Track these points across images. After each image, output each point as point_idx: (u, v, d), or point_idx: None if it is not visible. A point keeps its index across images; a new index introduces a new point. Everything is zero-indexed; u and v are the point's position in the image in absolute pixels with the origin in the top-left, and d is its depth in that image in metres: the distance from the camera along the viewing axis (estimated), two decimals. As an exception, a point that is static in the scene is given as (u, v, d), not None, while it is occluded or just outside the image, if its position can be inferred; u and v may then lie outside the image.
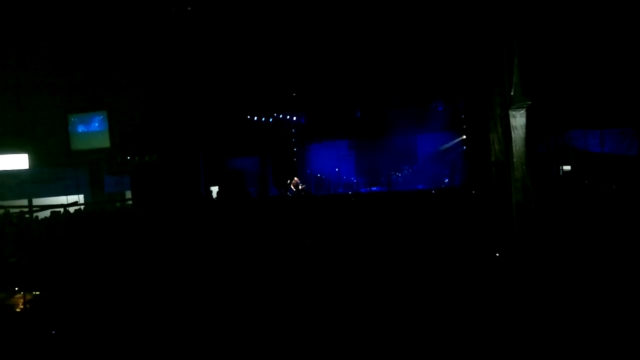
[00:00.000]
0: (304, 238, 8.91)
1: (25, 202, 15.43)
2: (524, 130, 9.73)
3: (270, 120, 18.79)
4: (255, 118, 18.34)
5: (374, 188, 17.54)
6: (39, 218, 12.31)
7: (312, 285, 6.35)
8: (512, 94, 9.62)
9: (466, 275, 6.31)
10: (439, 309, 5.17)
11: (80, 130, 18.00)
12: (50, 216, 12.67)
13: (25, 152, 17.23)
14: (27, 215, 12.13)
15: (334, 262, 7.34)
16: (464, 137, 16.61)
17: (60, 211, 13.32)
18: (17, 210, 11.87)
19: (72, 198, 16.53)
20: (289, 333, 4.78)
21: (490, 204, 9.69)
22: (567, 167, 13.50)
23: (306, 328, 4.90)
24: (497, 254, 7.21)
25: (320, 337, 4.67)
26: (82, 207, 15.49)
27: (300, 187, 17.13)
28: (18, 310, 5.97)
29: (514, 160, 9.54)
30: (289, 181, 17.24)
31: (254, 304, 5.79)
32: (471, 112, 15.69)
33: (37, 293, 6.58)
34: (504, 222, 8.75)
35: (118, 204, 17.32)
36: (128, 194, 18.30)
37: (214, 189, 17.61)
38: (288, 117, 19.06)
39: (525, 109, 9.74)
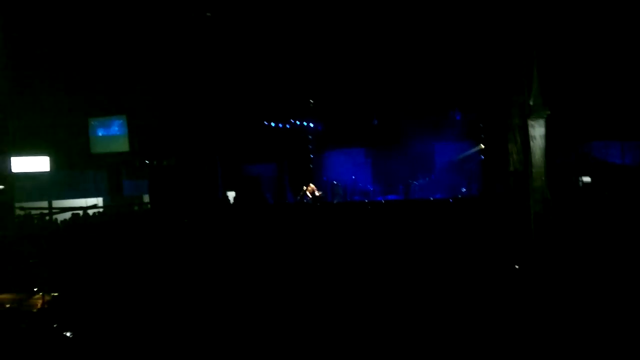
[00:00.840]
0: (319, 245, 8.89)
1: (45, 203, 15.63)
2: (543, 140, 9.63)
3: (288, 126, 18.83)
4: (273, 124, 18.39)
5: (390, 196, 17.46)
6: (59, 220, 12.45)
7: (327, 292, 6.32)
8: (531, 103, 9.54)
9: (484, 287, 6.23)
10: (457, 321, 5.11)
11: (100, 134, 18.23)
12: (70, 218, 12.84)
13: (46, 155, 17.48)
14: (47, 217, 12.28)
15: (350, 271, 7.30)
16: (482, 146, 16.47)
17: (79, 213, 13.49)
18: (38, 211, 12.02)
19: (91, 201, 16.73)
20: (304, 340, 4.76)
21: (508, 215, 9.58)
22: (586, 179, 13.32)
23: (322, 335, 4.87)
24: (517, 266, 7.12)
25: (336, 344, 4.64)
26: (101, 209, 15.65)
27: (316, 193, 17.11)
28: (35, 310, 6.02)
29: (533, 170, 9.45)
30: (304, 187, 17.23)
31: (268, 307, 5.78)
32: (489, 122, 15.55)
33: (55, 294, 6.63)
34: (523, 233, 8.65)
35: (136, 207, 17.47)
36: (146, 198, 18.44)
37: (231, 194, 17.66)
38: (305, 124, 19.09)
39: (544, 119, 9.65)
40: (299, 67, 15.30)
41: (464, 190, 16.64)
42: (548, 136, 9.67)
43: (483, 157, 16.46)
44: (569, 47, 11.53)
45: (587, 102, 13.05)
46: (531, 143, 9.54)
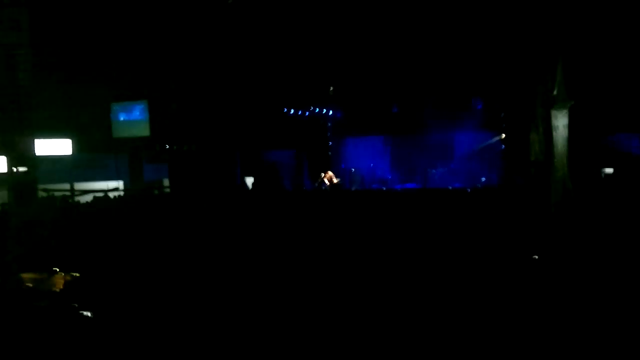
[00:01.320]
0: (336, 232, 8.87)
1: (67, 186, 15.82)
2: (566, 130, 9.47)
3: (307, 114, 18.76)
4: (292, 112, 18.34)
5: (409, 185, 17.35)
6: (81, 202, 12.61)
7: (343, 278, 6.30)
8: (554, 93, 9.37)
9: (500, 277, 6.15)
10: (472, 312, 5.05)
11: (121, 119, 18.35)
12: (91, 200, 13.00)
13: (69, 138, 17.66)
14: (69, 199, 12.44)
15: (367, 258, 7.26)
16: (503, 136, 16.26)
17: (101, 196, 13.65)
18: (60, 193, 12.17)
19: (112, 184, 16.90)
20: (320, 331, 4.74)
21: (528, 205, 9.44)
22: (609, 170, 13.09)
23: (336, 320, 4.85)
24: (535, 257, 7.01)
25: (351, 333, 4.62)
26: (121, 192, 15.83)
27: (334, 180, 17.08)
28: (56, 289, 6.08)
29: (555, 160, 9.30)
30: (322, 175, 17.20)
31: (282, 291, 5.77)
32: (511, 111, 15.34)
33: (76, 274, 6.69)
34: (543, 224, 8.52)
35: (156, 191, 17.61)
36: (166, 182, 18.58)
37: (249, 180, 17.72)
38: (324, 111, 18.99)
39: (567, 110, 9.48)
40: (319, 55, 15.22)
41: (483, 179, 16.47)
42: (571, 127, 9.51)
43: (504, 147, 16.28)
44: (595, 37, 11.26)
45: (611, 94, 12.78)
46: (554, 133, 9.38)
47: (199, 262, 7.29)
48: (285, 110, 18.18)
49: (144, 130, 17.84)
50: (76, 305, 5.47)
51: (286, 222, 10.01)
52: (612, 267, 6.24)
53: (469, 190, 13.81)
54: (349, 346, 4.30)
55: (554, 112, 9.35)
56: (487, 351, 4.12)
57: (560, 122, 9.41)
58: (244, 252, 7.89)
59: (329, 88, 17.43)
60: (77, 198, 13.11)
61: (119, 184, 17.64)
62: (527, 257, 7.06)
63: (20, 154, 8.69)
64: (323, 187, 17.07)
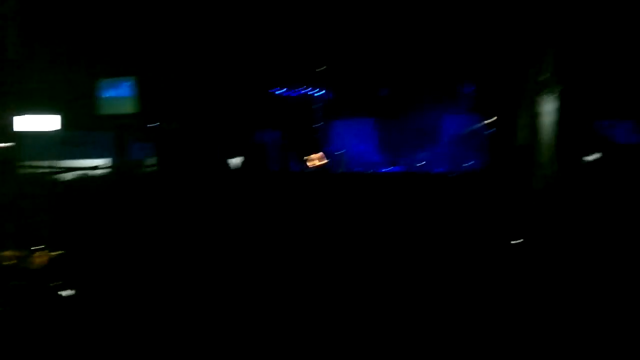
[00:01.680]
0: (318, 213, 8.86)
1: (52, 163, 15.59)
2: (553, 116, 9.46)
3: (295, 94, 18.61)
4: (280, 92, 18.18)
5: (395, 168, 17.33)
6: (64, 179, 12.45)
7: (323, 261, 6.29)
8: (544, 77, 9.34)
9: (479, 262, 6.17)
10: (451, 296, 5.05)
11: (108, 95, 18.07)
12: (77, 178, 12.83)
13: (57, 114, 17.36)
14: (51, 176, 12.27)
15: (348, 242, 7.25)
16: (491, 119, 16.23)
17: (85, 174, 13.49)
18: (43, 170, 12.00)
19: (97, 162, 16.70)
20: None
21: (511, 190, 9.46)
22: (596, 156, 13.12)
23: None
24: (515, 242, 7.03)
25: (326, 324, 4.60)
26: (106, 170, 15.67)
27: (320, 162, 17.02)
28: (35, 267, 6.00)
29: (542, 146, 9.30)
30: (309, 156, 17.13)
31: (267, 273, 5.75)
32: (499, 95, 15.30)
33: (59, 252, 6.61)
34: (525, 209, 8.54)
35: (142, 169, 17.45)
36: (152, 161, 18.39)
37: (234, 160, 17.60)
38: (313, 92, 18.83)
39: (557, 95, 9.46)
40: (308, 35, 15.06)
41: (469, 163, 16.47)
42: (559, 112, 9.49)
43: (491, 131, 16.25)
44: (586, 22, 11.21)
45: (601, 79, 12.77)
46: (541, 118, 9.37)
47: (184, 241, 7.25)
48: (273, 90, 18.01)
49: (131, 107, 17.60)
50: (56, 284, 5.41)
51: (271, 203, 9.98)
52: (594, 253, 6.28)
53: (452, 174, 13.82)
54: (333, 332, 4.29)
55: (542, 97, 9.32)
56: (467, 337, 4.12)
57: (548, 107, 9.40)
58: (229, 231, 7.86)
59: (318, 68, 17.28)
60: (62, 175, 12.93)
61: (105, 161, 17.44)
62: (509, 242, 7.09)
63: (2, 128, 8.48)
64: (310, 169, 17.02)
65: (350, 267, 6.03)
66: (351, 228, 7.96)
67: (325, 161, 17.32)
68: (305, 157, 17.21)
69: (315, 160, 17.04)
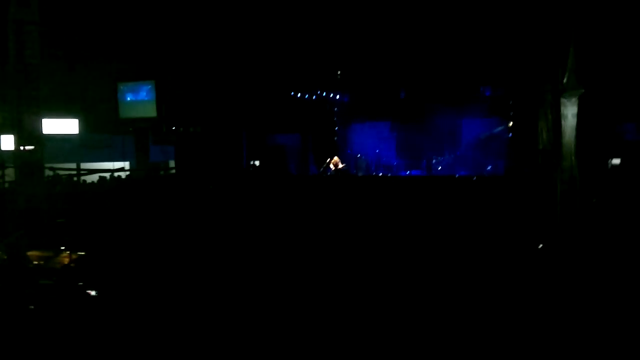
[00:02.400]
0: (339, 217, 8.85)
1: (73, 165, 15.85)
2: (575, 119, 9.36)
3: (314, 98, 18.67)
4: (299, 95, 18.26)
5: (414, 171, 17.30)
6: (87, 181, 12.63)
7: (345, 263, 6.29)
8: (565, 80, 9.25)
9: (504, 266, 6.13)
10: (475, 301, 5.03)
11: (128, 99, 18.28)
12: (97, 180, 13.02)
13: (75, 118, 17.65)
14: (75, 178, 12.46)
15: (370, 245, 7.25)
16: (511, 124, 16.15)
17: (106, 176, 13.68)
18: (66, 173, 12.19)
19: (118, 164, 16.94)
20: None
21: (534, 194, 9.39)
22: (616, 161, 12.98)
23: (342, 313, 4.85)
24: (540, 246, 6.99)
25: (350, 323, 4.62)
26: (127, 172, 15.87)
27: (339, 166, 17.06)
28: (61, 267, 6.12)
29: (563, 149, 9.21)
30: (328, 160, 17.18)
31: (285, 277, 5.78)
32: (520, 98, 15.20)
33: (82, 253, 6.73)
34: (549, 213, 8.47)
35: (162, 172, 17.64)
36: (172, 163, 18.60)
37: (255, 163, 17.74)
38: (332, 95, 18.89)
39: (577, 98, 9.37)
40: (327, 39, 15.10)
41: (489, 168, 16.39)
42: (580, 116, 9.40)
43: (511, 135, 16.16)
44: (608, 24, 11.10)
45: (623, 83, 12.62)
46: (562, 122, 9.28)
47: (202, 245, 7.30)
48: (292, 93, 18.09)
49: (150, 111, 17.79)
50: (81, 284, 5.51)
51: (291, 207, 10.01)
52: (618, 258, 6.22)
53: (475, 178, 13.75)
54: (350, 329, 4.31)
55: (563, 100, 9.23)
56: (491, 340, 4.12)
57: (570, 110, 9.29)
58: (248, 235, 7.90)
59: (337, 72, 17.32)
60: (83, 178, 13.13)
61: (125, 164, 17.68)
62: (532, 246, 7.04)
63: (27, 132, 8.66)
64: (328, 173, 17.05)
65: (376, 272, 6.03)
66: (374, 233, 7.94)
67: (345, 165, 17.34)
68: (325, 161, 17.26)
69: (335, 164, 17.07)
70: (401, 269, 6.15)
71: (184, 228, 8.15)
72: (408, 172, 17.35)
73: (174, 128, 18.08)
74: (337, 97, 19.02)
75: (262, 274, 5.93)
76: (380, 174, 17.32)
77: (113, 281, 5.78)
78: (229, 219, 8.76)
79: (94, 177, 13.29)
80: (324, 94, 18.68)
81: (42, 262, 6.36)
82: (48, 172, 11.74)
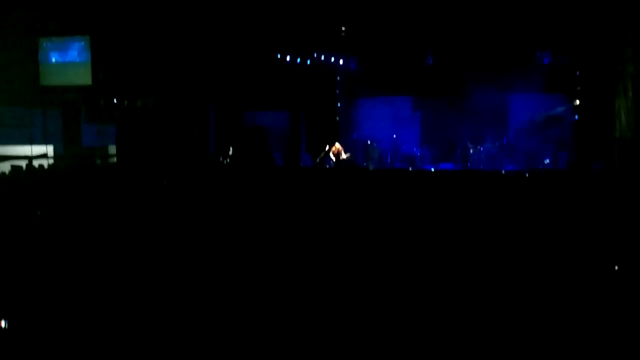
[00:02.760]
0: (344, 227, 8.82)
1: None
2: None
3: (309, 62, 18.65)
4: (288, 58, 18.23)
5: (444, 165, 17.36)
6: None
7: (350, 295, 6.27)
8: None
9: (569, 294, 6.12)
10: (534, 336, 5.02)
11: (53, 60, 18.22)
12: (9, 172, 12.94)
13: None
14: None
15: (384, 265, 7.22)
16: (577, 102, 16.22)
17: (22, 166, 13.61)
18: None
19: (38, 149, 16.86)
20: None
21: (609, 199, 9.40)
22: None
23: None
24: (616, 267, 6.96)
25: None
26: (50, 161, 15.80)
27: (342, 156, 17.08)
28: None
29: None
30: (327, 147, 17.20)
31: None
32: (590, 68, 15.23)
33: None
34: (628, 225, 8.48)
35: (99, 161, 17.59)
36: (112, 150, 18.55)
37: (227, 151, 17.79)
38: (333, 59, 18.86)
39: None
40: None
41: (547, 161, 16.48)
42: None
43: (577, 118, 16.23)
44: None
45: None
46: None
47: (149, 256, 7.26)
48: (279, 56, 18.07)
49: (83, 77, 17.74)
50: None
51: (275, 210, 9.97)
52: None
53: (527, 174, 13.79)
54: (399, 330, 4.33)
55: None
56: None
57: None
58: (214, 248, 7.85)
59: (340, 28, 17.30)
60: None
61: (48, 149, 17.60)
62: (605, 269, 7.01)
63: None
64: (328, 165, 17.06)
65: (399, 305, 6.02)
66: (392, 249, 7.93)
67: (349, 154, 17.36)
68: (323, 149, 17.28)
69: (337, 152, 17.09)
70: (434, 302, 6.11)
71: (123, 238, 8.10)
72: (436, 165, 17.40)
73: (115, 101, 18.02)
74: (340, 62, 18.99)
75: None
76: (398, 167, 17.34)
77: (28, 310, 5.74)
78: (188, 229, 8.71)
79: (4, 167, 13.23)
80: (322, 57, 18.65)
81: None
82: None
